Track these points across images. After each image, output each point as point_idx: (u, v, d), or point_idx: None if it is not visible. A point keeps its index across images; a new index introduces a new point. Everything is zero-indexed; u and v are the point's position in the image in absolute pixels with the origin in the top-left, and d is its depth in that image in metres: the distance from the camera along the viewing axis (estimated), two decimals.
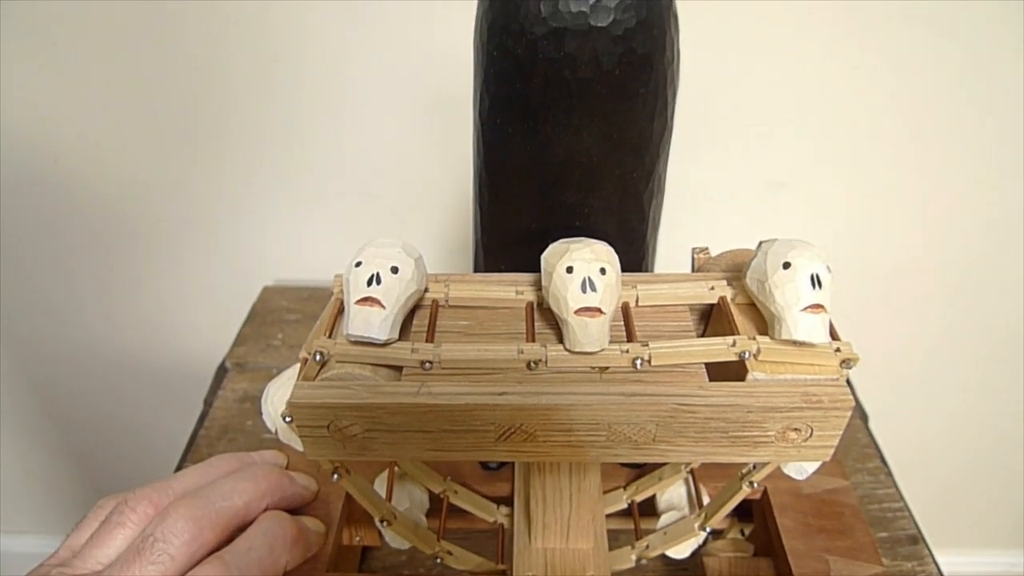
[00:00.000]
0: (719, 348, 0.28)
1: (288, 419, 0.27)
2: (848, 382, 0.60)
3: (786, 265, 0.28)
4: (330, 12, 0.56)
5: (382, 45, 0.57)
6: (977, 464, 0.89)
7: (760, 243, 0.31)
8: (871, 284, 0.72)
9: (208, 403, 0.57)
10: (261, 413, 0.32)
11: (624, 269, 0.30)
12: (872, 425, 0.55)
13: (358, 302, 0.28)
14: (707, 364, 0.29)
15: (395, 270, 0.28)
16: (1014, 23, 0.55)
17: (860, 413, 0.56)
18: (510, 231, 0.34)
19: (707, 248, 0.36)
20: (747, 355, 0.28)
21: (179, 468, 0.51)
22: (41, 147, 0.64)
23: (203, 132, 0.63)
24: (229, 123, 0.63)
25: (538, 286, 0.32)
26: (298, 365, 0.30)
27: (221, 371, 0.60)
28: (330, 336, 0.29)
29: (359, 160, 0.64)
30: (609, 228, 0.33)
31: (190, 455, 0.52)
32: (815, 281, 0.28)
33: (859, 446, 0.53)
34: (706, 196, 0.64)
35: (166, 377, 0.80)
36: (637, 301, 0.32)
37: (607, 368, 0.29)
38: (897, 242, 0.69)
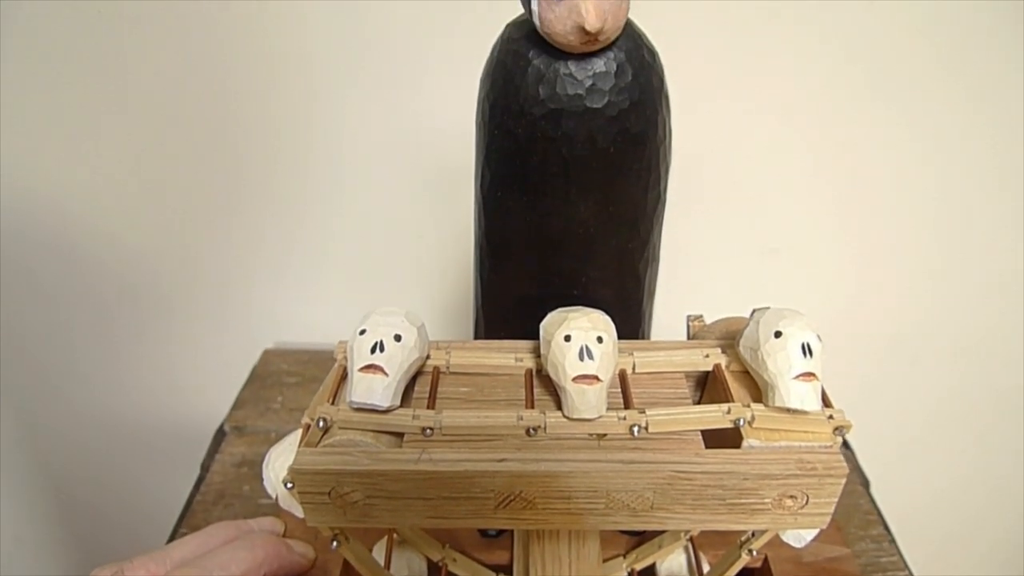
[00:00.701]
0: (714, 416, 0.29)
1: (290, 485, 0.28)
2: (848, 447, 0.60)
3: (777, 334, 0.29)
4: (334, 85, 0.58)
5: (385, 119, 0.60)
6: (981, 528, 0.87)
7: (753, 311, 0.32)
8: (870, 349, 0.72)
9: (205, 467, 0.57)
10: (261, 479, 0.33)
11: (621, 336, 0.31)
12: (874, 491, 0.55)
13: (361, 369, 0.28)
14: (703, 431, 0.29)
15: (398, 338, 0.29)
16: (996, 92, 0.57)
17: (861, 479, 0.56)
18: (510, 299, 0.35)
19: (702, 316, 0.37)
20: (742, 422, 0.28)
21: (174, 534, 0.50)
22: (43, 209, 0.65)
23: (206, 197, 0.65)
24: (233, 189, 0.64)
25: (537, 353, 0.32)
26: (300, 431, 0.30)
27: (219, 434, 0.60)
28: (333, 402, 0.30)
29: (361, 227, 0.66)
30: (606, 296, 0.34)
31: (186, 520, 0.51)
32: (806, 350, 0.28)
33: (861, 512, 0.53)
34: (701, 263, 0.65)
35: (163, 440, 0.80)
36: (634, 368, 0.32)
37: (605, 435, 0.29)
38: (895, 307, 0.69)
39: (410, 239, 0.66)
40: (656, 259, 0.36)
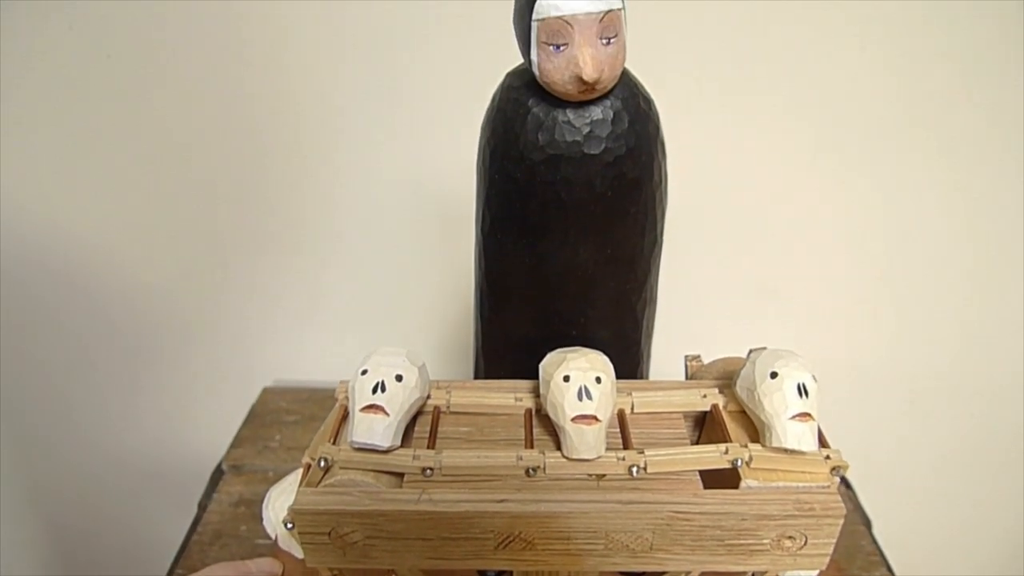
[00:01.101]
0: (712, 456, 0.29)
1: (290, 525, 0.28)
2: (849, 487, 0.60)
3: (773, 375, 0.29)
4: (337, 129, 0.59)
5: (387, 162, 0.61)
6: (985, 568, 0.86)
7: (750, 352, 0.32)
8: (870, 388, 0.72)
9: (202, 507, 0.56)
10: (259, 518, 0.33)
11: (620, 376, 0.31)
12: (876, 531, 0.55)
13: (363, 409, 0.29)
14: (702, 472, 0.30)
15: (399, 378, 0.29)
16: (993, 137, 0.58)
17: (863, 519, 0.56)
18: (509, 339, 0.36)
19: (699, 356, 0.37)
20: (740, 463, 0.29)
21: (170, 575, 0.50)
22: (45, 249, 0.66)
23: (208, 237, 0.66)
24: (234, 228, 0.65)
25: (537, 392, 0.33)
26: (300, 470, 0.31)
27: (217, 473, 0.60)
28: (334, 442, 0.30)
29: (362, 267, 0.67)
30: (605, 337, 0.34)
31: (182, 561, 0.51)
32: (802, 390, 0.29)
33: (864, 553, 0.53)
34: (700, 303, 0.66)
35: (160, 478, 0.79)
36: (632, 408, 0.33)
37: (604, 475, 0.29)
38: (894, 347, 0.70)
39: (411, 279, 0.67)
40: (653, 300, 0.36)
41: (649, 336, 0.37)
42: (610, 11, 0.28)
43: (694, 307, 0.65)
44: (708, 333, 0.66)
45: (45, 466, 0.80)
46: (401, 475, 0.30)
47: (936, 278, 0.66)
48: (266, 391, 0.71)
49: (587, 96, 0.29)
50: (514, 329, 0.35)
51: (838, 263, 0.65)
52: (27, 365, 0.73)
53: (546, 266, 0.32)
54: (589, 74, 0.28)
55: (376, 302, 0.69)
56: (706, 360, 0.37)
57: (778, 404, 0.29)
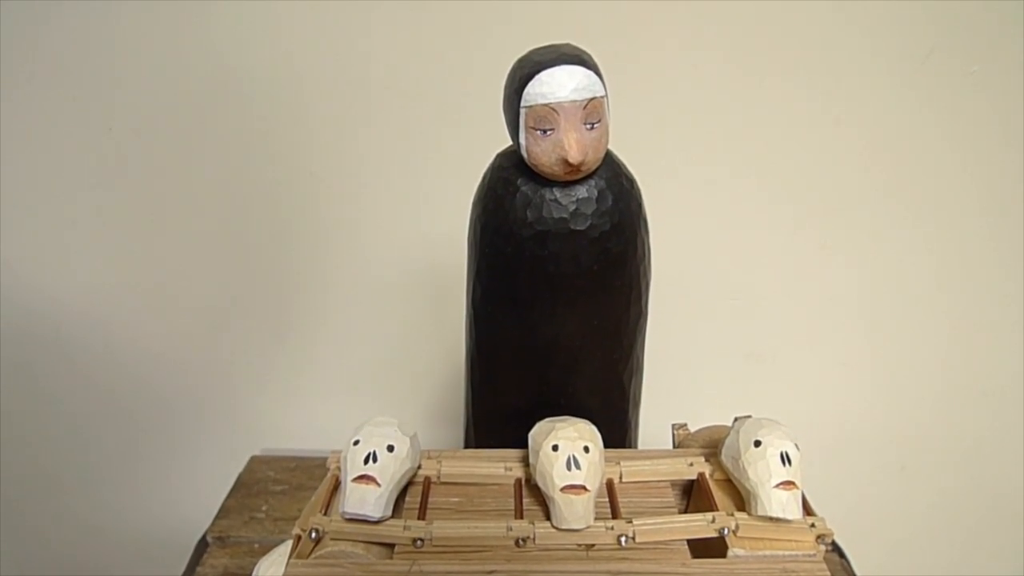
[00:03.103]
0: (700, 525, 0.29)
1: None
2: (843, 555, 0.59)
3: (757, 443, 0.30)
4: (329, 199, 0.61)
5: (381, 235, 0.62)
6: None
7: (734, 420, 0.33)
8: (858, 453, 0.73)
9: None
10: None
11: (608, 445, 0.32)
12: None
13: (355, 480, 0.29)
14: (689, 540, 0.30)
15: (391, 448, 0.30)
16: (984, 197, 0.60)
17: None
18: (499, 408, 0.36)
19: (686, 424, 0.38)
20: (726, 531, 0.29)
21: None
22: (35, 316, 0.66)
23: (197, 305, 0.66)
24: (221, 294, 0.66)
25: (526, 462, 0.33)
26: (290, 541, 0.31)
27: (202, 545, 0.59)
28: (325, 513, 0.30)
29: (352, 336, 0.67)
30: (592, 406, 0.35)
31: None
32: (785, 459, 0.29)
33: None
34: (686, 371, 0.67)
35: (143, 550, 0.77)
36: (621, 477, 0.33)
37: (593, 545, 0.29)
38: (881, 411, 0.70)
39: (402, 348, 0.68)
40: (640, 369, 0.37)
41: (637, 405, 0.38)
42: (593, 99, 0.30)
43: (681, 375, 0.66)
44: (696, 401, 0.66)
45: (28, 535, 0.78)
46: (392, 546, 0.30)
47: (922, 340, 0.67)
48: (253, 459, 0.70)
49: (572, 176, 0.31)
50: (504, 398, 0.36)
51: (822, 327, 0.67)
52: (10, 431, 0.72)
53: (535, 337, 0.33)
54: (574, 157, 0.30)
55: (366, 371, 0.69)
56: (693, 428, 0.38)
57: (762, 473, 0.29)
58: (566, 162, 0.30)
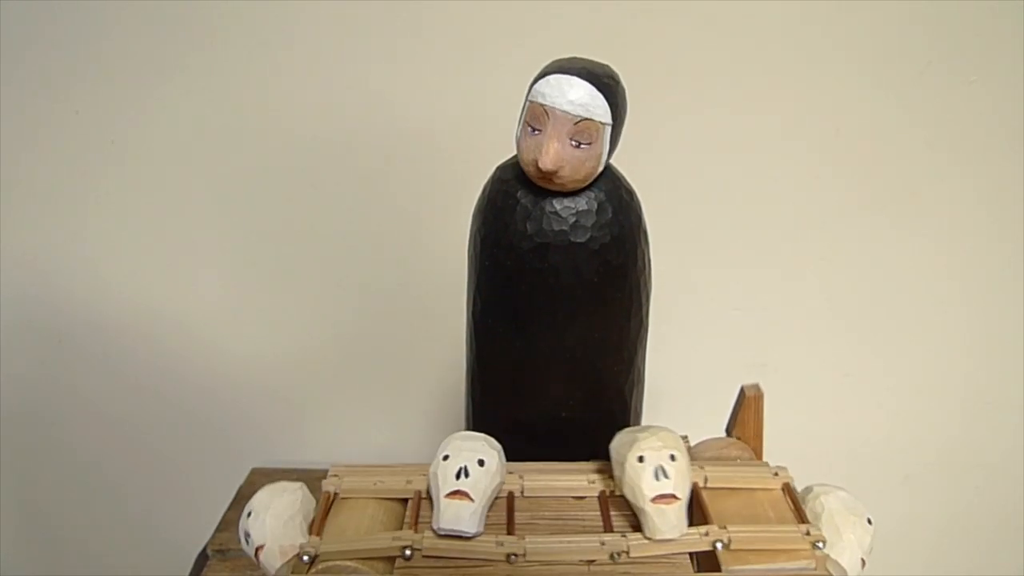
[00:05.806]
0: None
1: None
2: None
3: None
4: (325, 209, 0.61)
5: (379, 244, 0.62)
6: None
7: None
8: (861, 464, 0.72)
9: None
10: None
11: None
12: None
13: (448, 495, 0.29)
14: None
15: (481, 462, 0.29)
16: (985, 212, 0.60)
17: None
18: (500, 420, 0.36)
19: (687, 436, 0.38)
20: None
21: None
22: (33, 329, 0.67)
23: (191, 314, 0.66)
24: (220, 305, 0.66)
25: (608, 474, 0.32)
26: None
27: (201, 558, 0.58)
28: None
29: (352, 348, 0.67)
30: (593, 419, 0.35)
31: None
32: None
33: None
34: (687, 382, 0.66)
35: (142, 563, 0.77)
36: (706, 482, 0.33)
37: (593, 561, 0.29)
38: (884, 422, 0.70)
39: (402, 362, 0.67)
40: (641, 381, 0.37)
41: (638, 417, 0.38)
42: (586, 119, 0.30)
43: (682, 387, 0.66)
44: (698, 413, 0.66)
45: (25, 551, 0.78)
46: (392, 559, 0.29)
47: (925, 350, 0.67)
48: (254, 472, 0.70)
49: (547, 184, 0.31)
50: (505, 410, 0.36)
51: (824, 337, 0.66)
52: (9, 442, 0.72)
53: (535, 349, 0.33)
54: (545, 163, 0.29)
55: (367, 384, 0.69)
56: (694, 441, 0.38)
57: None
58: (537, 165, 0.30)
